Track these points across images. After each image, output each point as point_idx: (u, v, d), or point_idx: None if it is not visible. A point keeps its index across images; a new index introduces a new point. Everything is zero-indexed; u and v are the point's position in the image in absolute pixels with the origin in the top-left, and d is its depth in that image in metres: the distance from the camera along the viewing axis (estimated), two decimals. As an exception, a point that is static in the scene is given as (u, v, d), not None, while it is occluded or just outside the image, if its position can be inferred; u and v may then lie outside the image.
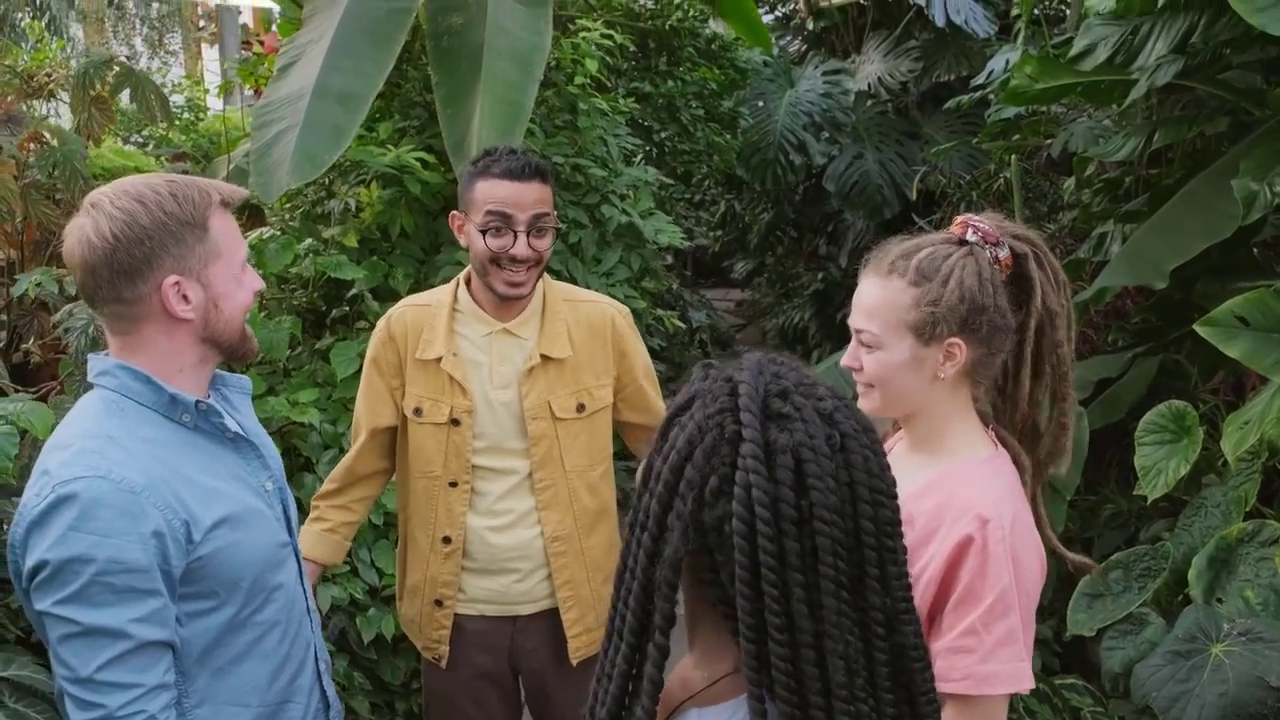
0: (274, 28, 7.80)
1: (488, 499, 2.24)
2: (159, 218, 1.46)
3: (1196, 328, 2.55)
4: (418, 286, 3.66)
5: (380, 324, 2.31)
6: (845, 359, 1.67)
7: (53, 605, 1.37)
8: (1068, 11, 5.15)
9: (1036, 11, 6.71)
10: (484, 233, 2.13)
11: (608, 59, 4.38)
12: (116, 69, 3.11)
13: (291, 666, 1.63)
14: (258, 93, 6.44)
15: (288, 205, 3.82)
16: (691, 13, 5.76)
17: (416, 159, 3.47)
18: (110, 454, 1.42)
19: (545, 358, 2.22)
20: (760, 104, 6.59)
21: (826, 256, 7.29)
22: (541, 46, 3.65)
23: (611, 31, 4.15)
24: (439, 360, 2.21)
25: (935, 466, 1.64)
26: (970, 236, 1.61)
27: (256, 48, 7.71)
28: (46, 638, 1.42)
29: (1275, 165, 2.75)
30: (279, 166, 3.09)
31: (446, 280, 3.59)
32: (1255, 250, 3.48)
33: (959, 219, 1.65)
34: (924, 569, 1.54)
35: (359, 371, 2.59)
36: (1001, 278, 1.61)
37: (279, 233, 3.35)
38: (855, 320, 1.64)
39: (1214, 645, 2.43)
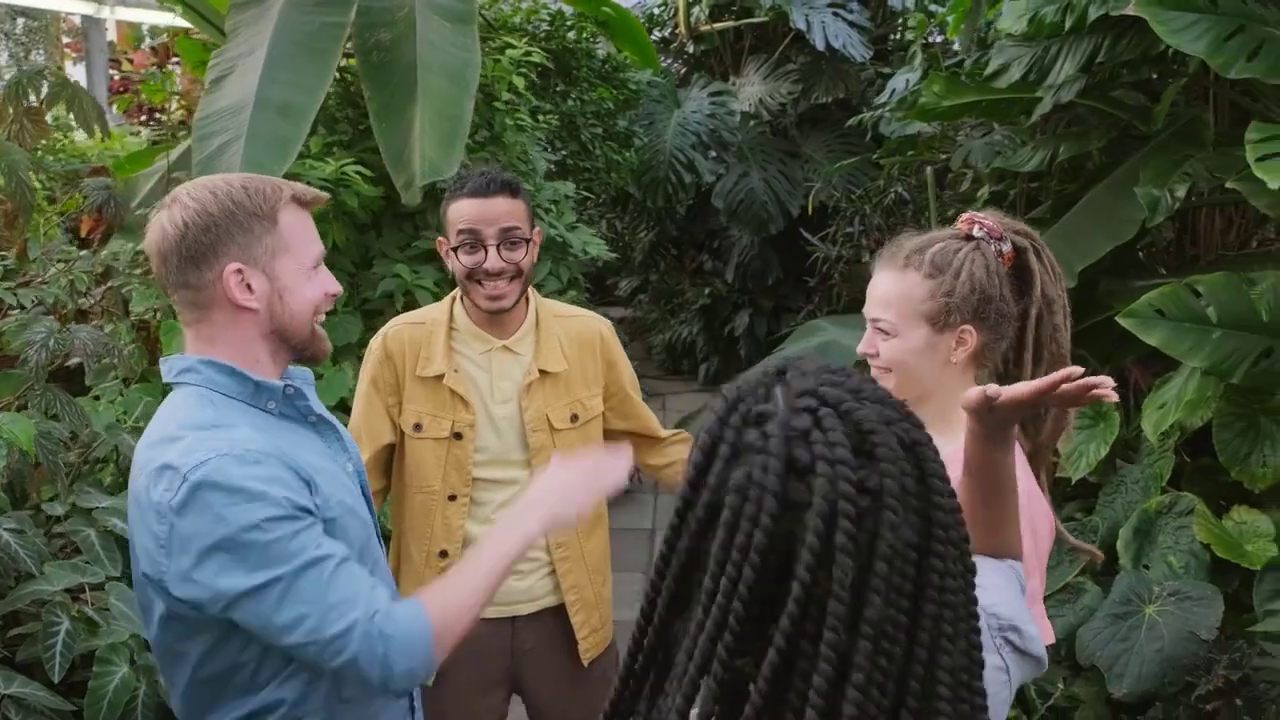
0: (145, 44, 7.60)
1: (487, 508, 2.27)
2: (228, 206, 1.50)
3: (1119, 319, 2.80)
4: (351, 300, 3.66)
5: (375, 344, 2.31)
6: (862, 346, 1.77)
7: (249, 579, 1.39)
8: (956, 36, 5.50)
9: (927, 36, 7.14)
10: (457, 250, 2.20)
11: (532, 76, 4.46)
12: (50, 80, 3.02)
13: None
14: (132, 113, 6.26)
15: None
16: (585, 34, 5.90)
17: (356, 173, 3.48)
18: (225, 434, 1.45)
19: (543, 372, 2.28)
20: (649, 124, 6.76)
21: (712, 272, 7.50)
22: (473, 63, 3.71)
23: (533, 49, 4.23)
24: (441, 377, 2.24)
25: (947, 446, 1.79)
26: (977, 232, 1.74)
27: (125, 65, 7.49)
28: (251, 621, 1.42)
29: (1172, 173, 3.04)
30: (226, 178, 3.06)
31: (386, 295, 3.63)
32: (1141, 253, 3.82)
33: (965, 216, 1.77)
34: None
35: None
36: (1005, 269, 1.74)
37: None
38: (872, 310, 1.75)
39: (1147, 606, 2.67)
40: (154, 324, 3.09)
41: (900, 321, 1.71)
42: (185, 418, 1.48)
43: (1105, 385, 1.30)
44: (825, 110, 7.19)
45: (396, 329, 2.31)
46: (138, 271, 3.15)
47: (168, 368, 1.55)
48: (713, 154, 6.90)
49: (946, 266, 1.71)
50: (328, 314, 3.03)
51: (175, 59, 6.65)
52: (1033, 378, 1.82)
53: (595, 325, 2.42)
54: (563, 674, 2.36)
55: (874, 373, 1.79)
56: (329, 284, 1.62)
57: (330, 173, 3.44)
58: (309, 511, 1.46)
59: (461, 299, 2.31)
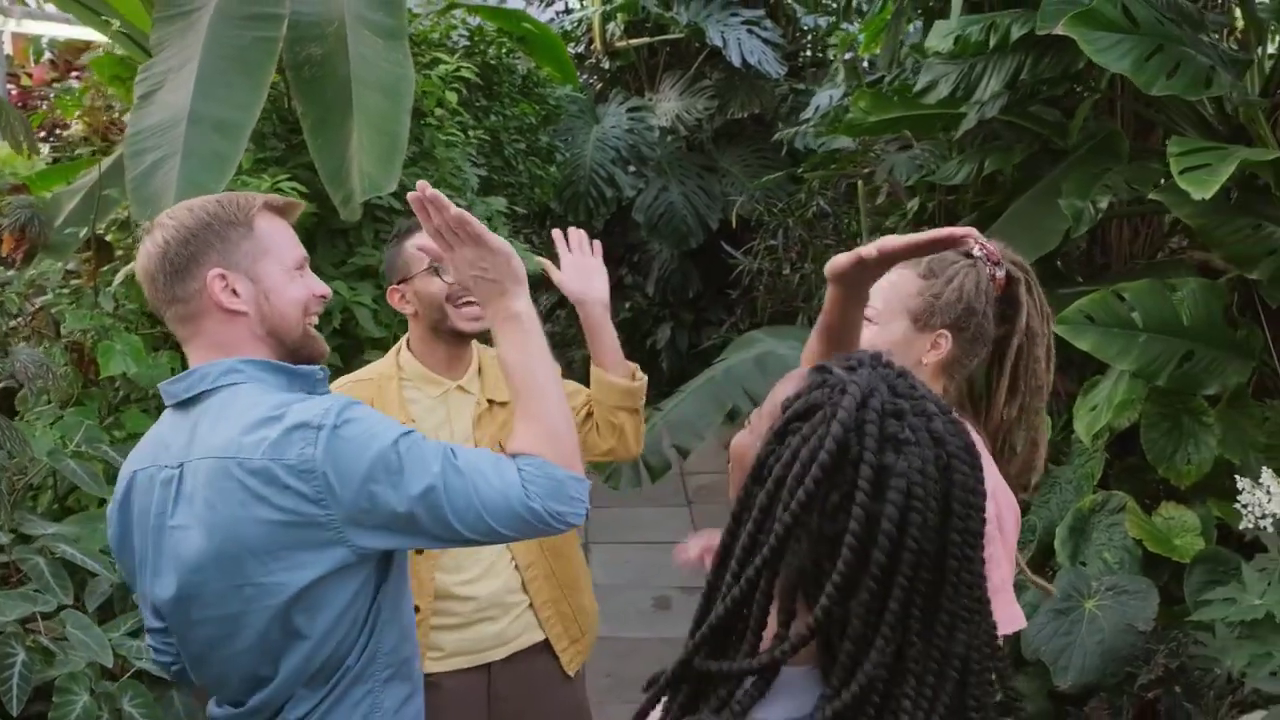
0: (45, 58, 7.35)
1: (455, 556, 2.24)
2: (202, 218, 1.55)
3: (1053, 326, 2.90)
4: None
5: None
6: None
7: (413, 491, 1.42)
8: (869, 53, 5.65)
9: (848, 55, 7.30)
10: (436, 271, 2.18)
11: (463, 91, 4.45)
12: (-27, 94, 2.92)
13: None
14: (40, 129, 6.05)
15: (132, 236, 3.67)
16: (505, 50, 5.91)
17: (292, 189, 3.43)
18: (321, 397, 1.53)
19: (491, 402, 2.30)
20: (569, 139, 6.79)
21: (632, 286, 7.54)
22: (407, 78, 3.69)
23: (463, 65, 4.23)
24: None
25: None
26: (977, 252, 1.80)
27: (25, 79, 7.23)
28: (436, 528, 1.46)
29: (1094, 185, 3.18)
30: (162, 195, 2.99)
31: (324, 313, 3.58)
32: (1059, 263, 3.98)
33: (967, 230, 1.84)
34: None
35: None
36: (994, 293, 1.80)
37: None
38: None
39: (1087, 601, 2.78)
40: (87, 345, 3.01)
41: (885, 310, 1.79)
42: (269, 400, 1.49)
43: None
44: (741, 125, 7.31)
45: (344, 388, 2.28)
46: (66, 291, 3.06)
47: (195, 378, 1.54)
48: (632, 169, 6.96)
49: (941, 272, 1.78)
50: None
51: (76, 73, 6.45)
52: (1007, 410, 1.89)
53: None
54: (553, 707, 2.35)
55: None
56: (315, 285, 1.63)
57: (265, 189, 3.38)
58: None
59: (410, 347, 2.32)
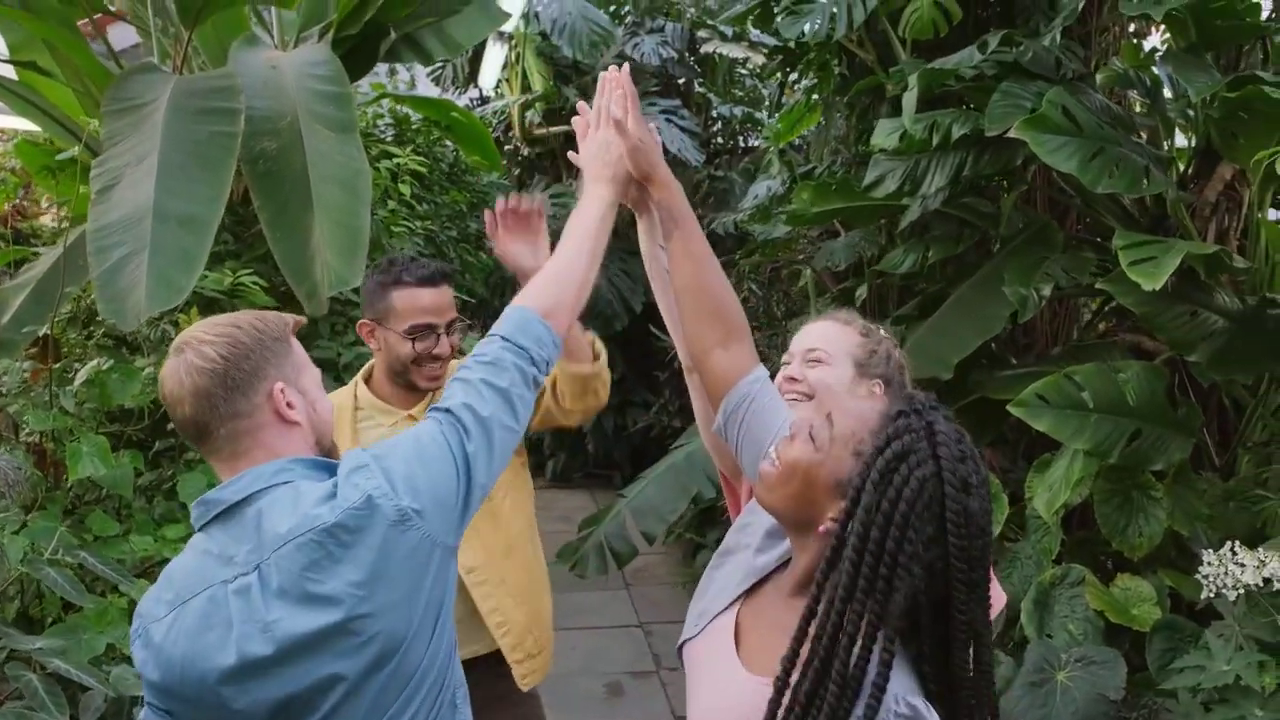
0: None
1: None
2: (255, 335, 1.56)
3: (1011, 408, 3.06)
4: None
5: None
6: (787, 370, 1.99)
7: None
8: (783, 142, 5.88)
9: (745, 140, 7.51)
10: (412, 339, 2.36)
11: (414, 184, 4.49)
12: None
13: None
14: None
15: (86, 335, 3.58)
16: (432, 139, 5.97)
17: (254, 283, 3.41)
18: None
19: None
20: (494, 225, 6.84)
21: (556, 368, 7.57)
22: (364, 171, 3.71)
23: (411, 157, 4.27)
24: None
25: None
26: (883, 332, 2.05)
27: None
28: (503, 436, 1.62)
29: (1035, 273, 3.38)
30: (131, 292, 2.95)
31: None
32: (993, 345, 4.17)
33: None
34: None
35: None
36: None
37: (110, 363, 3.14)
38: (806, 342, 1.99)
39: (1058, 673, 2.89)
40: (49, 447, 2.92)
41: (834, 352, 1.96)
42: (319, 486, 1.51)
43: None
44: (660, 210, 7.47)
45: None
46: (28, 391, 2.98)
47: (251, 478, 1.52)
48: (556, 253, 7.04)
49: (875, 333, 2.01)
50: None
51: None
52: None
53: None
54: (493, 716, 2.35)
55: (791, 396, 1.98)
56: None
57: (226, 284, 3.36)
58: None
59: (366, 379, 2.51)
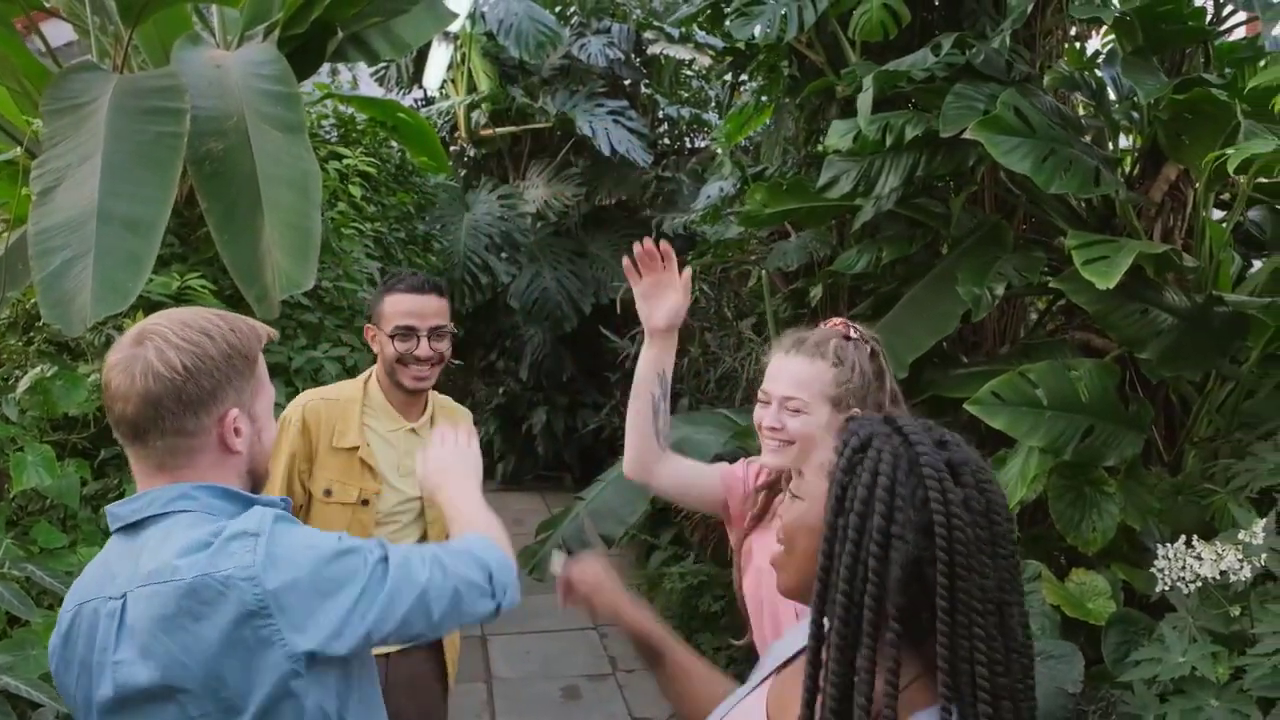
0: None
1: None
2: (224, 350, 1.47)
3: (967, 406, 3.09)
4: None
5: (293, 416, 2.60)
6: (769, 420, 2.04)
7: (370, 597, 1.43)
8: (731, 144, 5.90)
9: (691, 141, 7.52)
10: (393, 338, 2.58)
11: (365, 186, 4.43)
12: None
13: None
14: None
15: (27, 341, 3.48)
16: (377, 139, 5.90)
17: (203, 287, 3.34)
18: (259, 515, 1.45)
19: None
20: (441, 227, 6.80)
21: (505, 371, 7.53)
22: (313, 173, 3.65)
23: (363, 159, 4.22)
24: (355, 449, 2.57)
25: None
26: (852, 334, 2.08)
27: None
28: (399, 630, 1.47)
29: (987, 272, 3.42)
30: (76, 296, 2.87)
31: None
32: (944, 344, 4.21)
33: (836, 321, 2.13)
34: None
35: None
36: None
37: (54, 370, 3.06)
38: (783, 389, 2.03)
39: (1017, 668, 2.92)
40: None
41: (813, 401, 2.00)
42: (205, 527, 1.41)
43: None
44: (608, 211, 7.47)
45: (313, 404, 2.63)
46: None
47: (145, 501, 1.44)
48: (504, 255, 7.01)
49: (846, 358, 2.02)
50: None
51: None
52: None
53: (467, 415, 2.85)
54: (430, 703, 2.68)
55: (773, 444, 2.05)
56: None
57: (174, 287, 3.28)
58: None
59: (377, 379, 2.67)
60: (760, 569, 2.10)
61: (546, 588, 5.24)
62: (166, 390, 1.42)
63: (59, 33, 5.36)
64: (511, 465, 7.45)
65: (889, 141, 3.42)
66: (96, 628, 1.42)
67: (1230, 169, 2.63)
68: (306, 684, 1.39)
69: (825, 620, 1.23)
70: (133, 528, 1.45)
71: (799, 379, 2.01)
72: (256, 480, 1.57)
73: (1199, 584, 2.42)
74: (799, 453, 1.99)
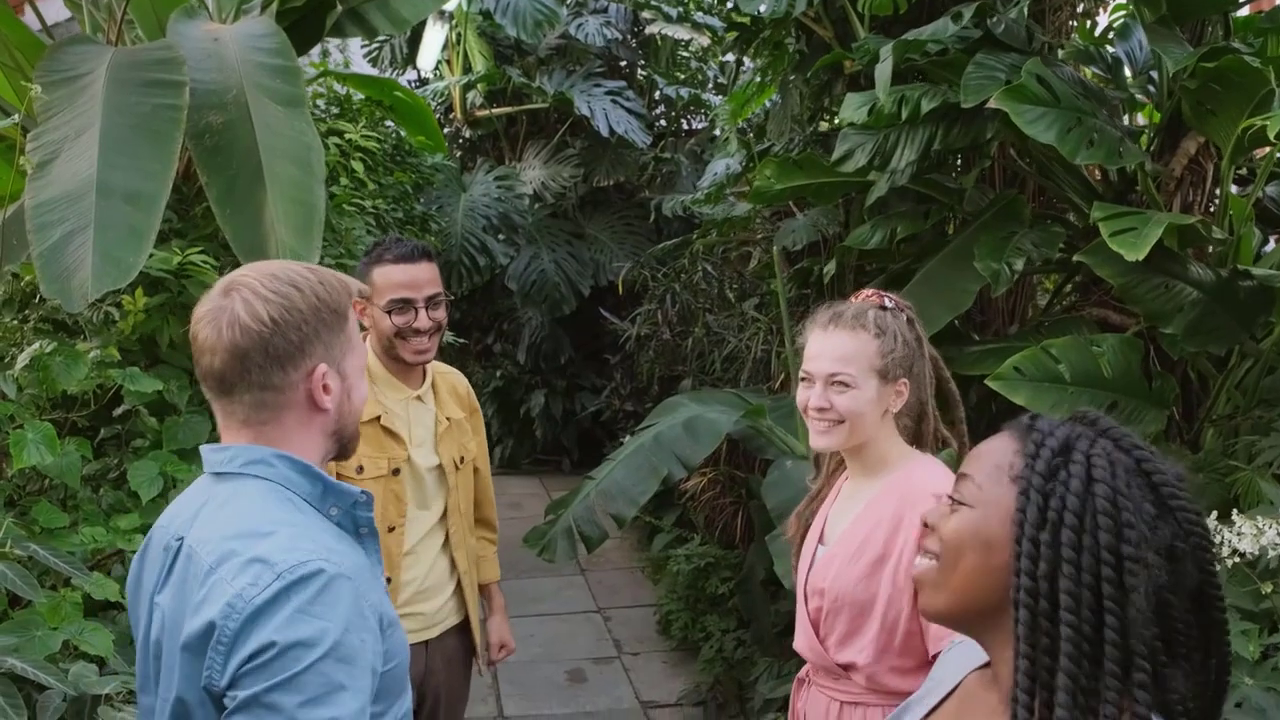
0: None
1: (413, 539, 2.56)
2: (314, 303, 1.42)
3: (989, 382, 3.04)
4: (194, 400, 3.40)
5: None
6: (815, 400, 1.98)
7: (265, 689, 1.21)
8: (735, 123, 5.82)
9: (690, 122, 7.46)
10: (389, 313, 2.50)
11: (368, 161, 4.35)
12: None
13: None
14: None
15: (22, 318, 3.39)
16: (374, 119, 5.81)
17: (204, 262, 3.25)
18: (321, 540, 1.33)
19: (449, 419, 2.65)
20: (439, 208, 6.71)
21: (502, 354, 7.46)
22: (315, 147, 3.57)
23: (368, 135, 4.13)
24: (377, 419, 2.51)
25: (876, 487, 2.01)
26: (888, 303, 2.03)
27: None
28: None
29: (1005, 248, 3.36)
30: (76, 271, 2.79)
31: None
32: (956, 322, 4.16)
33: (868, 292, 2.07)
34: (900, 553, 1.89)
35: (164, 492, 2.83)
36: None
37: (53, 346, 2.97)
38: (828, 366, 1.97)
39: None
40: (-12, 433, 2.75)
41: (860, 375, 1.95)
42: (271, 512, 1.35)
43: None
44: (606, 193, 7.40)
45: None
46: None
47: (228, 456, 1.41)
48: (502, 236, 6.93)
49: (887, 328, 1.97)
50: (174, 414, 2.96)
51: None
52: (939, 421, 2.11)
53: (462, 378, 2.85)
54: (460, 680, 2.76)
55: (822, 425, 1.98)
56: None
57: (175, 263, 3.20)
58: (364, 673, 1.29)
59: (373, 352, 2.58)
60: (834, 556, 1.99)
61: (550, 571, 5.19)
62: (254, 343, 1.38)
63: (53, 10, 5.25)
64: (509, 449, 7.39)
65: (905, 114, 3.35)
66: (155, 560, 1.44)
67: (1271, 134, 2.57)
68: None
69: (1030, 656, 1.06)
70: (216, 475, 1.44)
71: (843, 354, 1.96)
72: (344, 442, 1.51)
73: (1234, 560, 2.37)
74: (849, 431, 1.95)
